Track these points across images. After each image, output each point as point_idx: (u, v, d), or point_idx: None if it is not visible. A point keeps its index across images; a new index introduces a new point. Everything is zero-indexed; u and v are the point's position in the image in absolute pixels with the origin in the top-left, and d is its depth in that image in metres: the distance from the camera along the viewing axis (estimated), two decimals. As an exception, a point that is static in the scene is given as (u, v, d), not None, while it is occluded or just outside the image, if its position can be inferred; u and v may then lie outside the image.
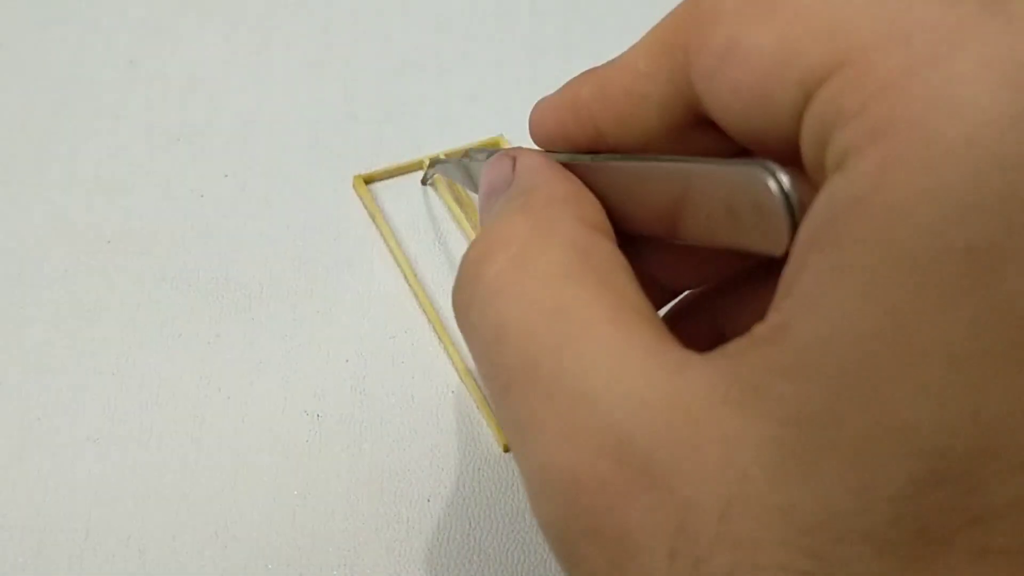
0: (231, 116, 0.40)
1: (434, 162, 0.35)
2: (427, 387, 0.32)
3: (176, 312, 0.34)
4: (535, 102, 0.23)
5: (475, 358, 0.19)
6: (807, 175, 0.17)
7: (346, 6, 0.44)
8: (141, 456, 0.31)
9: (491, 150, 0.27)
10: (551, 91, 0.23)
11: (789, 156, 0.17)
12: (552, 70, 0.41)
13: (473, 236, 0.35)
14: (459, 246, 0.36)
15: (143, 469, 0.31)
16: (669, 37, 0.19)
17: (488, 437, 0.31)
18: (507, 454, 0.31)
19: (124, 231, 0.36)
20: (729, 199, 0.18)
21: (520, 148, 0.24)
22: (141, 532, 0.29)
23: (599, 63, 0.22)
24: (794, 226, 0.17)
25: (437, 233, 0.36)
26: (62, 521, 0.30)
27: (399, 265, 0.35)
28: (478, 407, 0.32)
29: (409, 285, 0.35)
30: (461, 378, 0.33)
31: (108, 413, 0.32)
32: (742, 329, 0.17)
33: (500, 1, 0.44)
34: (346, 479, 0.30)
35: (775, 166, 0.18)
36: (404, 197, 0.37)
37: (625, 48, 0.21)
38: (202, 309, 0.34)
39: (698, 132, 0.20)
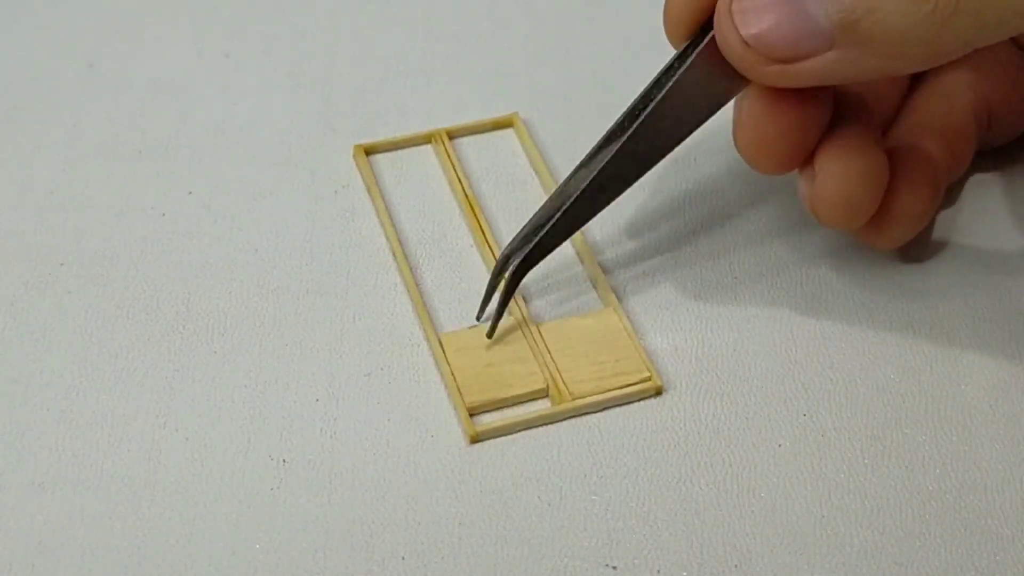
0: (197, 127, 0.38)
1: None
2: (406, 431, 0.31)
3: (132, 344, 0.32)
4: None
5: None
6: None
7: (324, 9, 0.42)
8: (90, 503, 0.29)
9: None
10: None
11: None
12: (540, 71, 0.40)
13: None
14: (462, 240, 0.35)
15: (92, 517, 0.29)
16: None
17: (471, 490, 0.30)
18: (491, 504, 0.29)
19: (77, 253, 0.35)
20: None
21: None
22: (88, 587, 0.28)
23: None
24: None
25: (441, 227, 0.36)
26: (2, 574, 0.28)
27: (392, 250, 0.34)
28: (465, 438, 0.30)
29: (406, 287, 0.34)
30: (448, 391, 0.31)
31: (55, 455, 0.30)
32: None
33: (491, 5, 0.42)
34: (313, 532, 0.29)
35: None
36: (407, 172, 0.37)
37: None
38: (160, 341, 0.33)
39: None
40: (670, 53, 0.35)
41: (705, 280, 0.34)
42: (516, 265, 0.31)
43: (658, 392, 0.31)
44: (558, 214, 0.31)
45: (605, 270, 0.34)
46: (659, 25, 0.41)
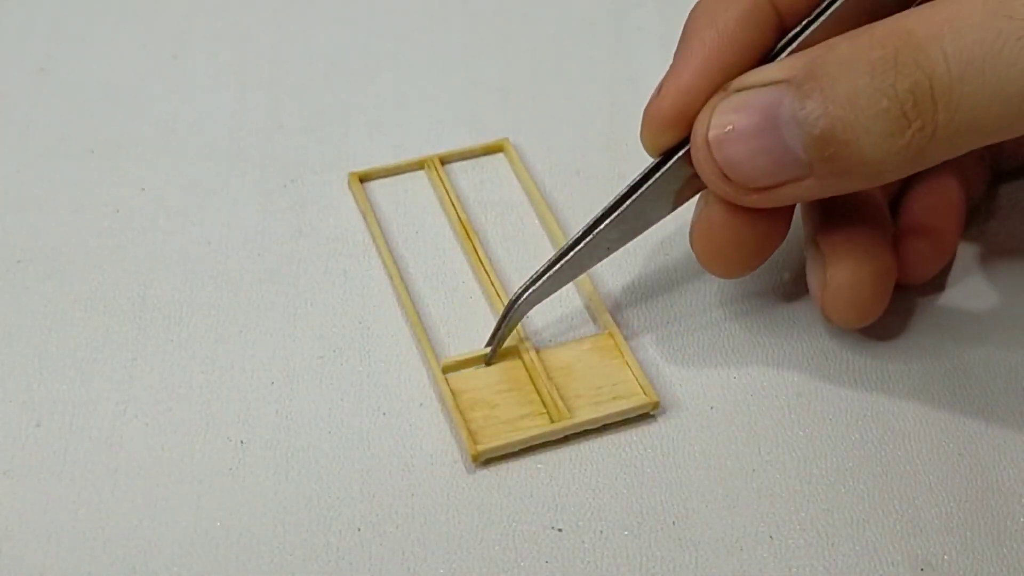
0: (148, 126, 0.39)
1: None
2: (357, 410, 0.32)
3: (90, 335, 0.33)
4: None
5: None
6: None
7: (269, 9, 0.43)
8: (54, 488, 0.30)
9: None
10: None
11: None
12: (483, 76, 0.41)
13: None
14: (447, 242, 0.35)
15: (56, 502, 0.30)
16: None
17: (422, 462, 0.31)
18: (441, 475, 0.30)
19: (34, 249, 0.35)
20: None
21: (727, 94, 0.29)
22: (54, 570, 0.28)
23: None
24: None
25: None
26: (-31, 559, 0.29)
27: (386, 266, 0.34)
28: (452, 415, 0.31)
29: (394, 287, 0.34)
30: (435, 383, 0.32)
31: (19, 443, 0.31)
32: None
33: (479, 28, 0.42)
34: (272, 508, 0.30)
35: None
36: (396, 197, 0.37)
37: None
38: (118, 331, 0.33)
39: None
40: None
41: (702, 303, 0.34)
42: (522, 299, 0.32)
43: (655, 413, 0.31)
44: (562, 261, 0.31)
45: (603, 295, 0.34)
46: (646, 52, 0.41)
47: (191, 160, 0.38)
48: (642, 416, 0.31)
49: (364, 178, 0.37)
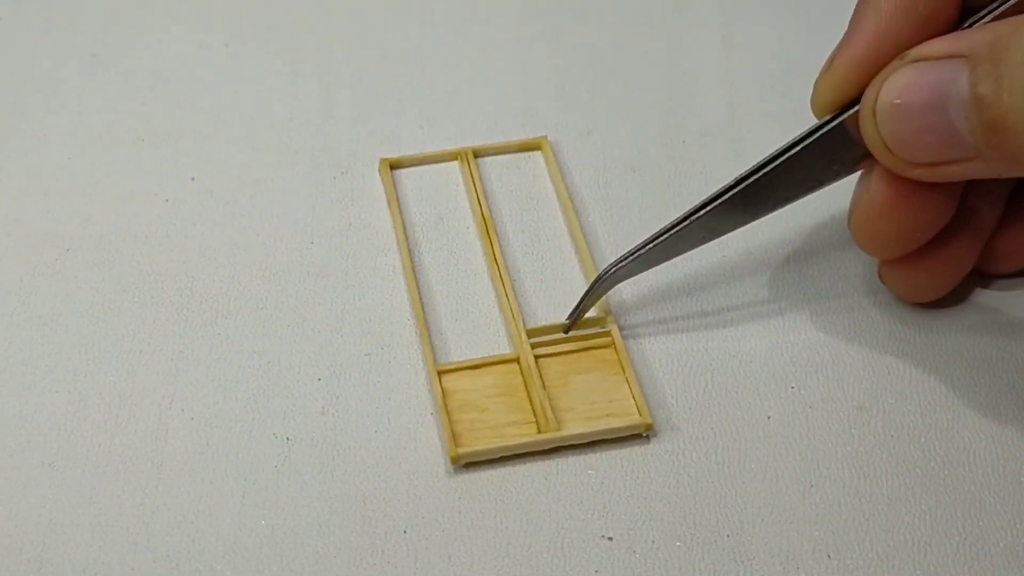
0: (198, 115, 0.39)
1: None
2: (405, 408, 0.31)
3: (137, 326, 0.33)
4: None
5: None
6: None
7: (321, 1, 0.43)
8: (99, 481, 0.30)
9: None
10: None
11: None
12: (535, 68, 0.40)
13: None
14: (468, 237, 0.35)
15: (101, 495, 0.30)
16: None
17: (472, 463, 0.30)
18: (490, 478, 0.30)
19: (83, 238, 0.35)
20: None
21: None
22: (98, 563, 0.28)
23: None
24: None
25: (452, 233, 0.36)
26: (14, 551, 0.28)
27: (402, 261, 0.34)
28: (439, 415, 0.31)
29: (407, 286, 0.34)
30: (431, 386, 0.31)
31: (64, 435, 0.31)
32: None
33: (529, 28, 0.42)
34: (317, 508, 0.29)
35: None
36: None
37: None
38: (165, 323, 0.33)
39: None
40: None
41: (708, 322, 0.33)
42: (608, 275, 0.31)
43: (647, 436, 0.30)
44: (661, 238, 0.31)
45: (613, 304, 0.33)
46: (705, 46, 0.40)
47: (241, 150, 0.38)
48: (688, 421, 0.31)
49: (395, 165, 0.37)
